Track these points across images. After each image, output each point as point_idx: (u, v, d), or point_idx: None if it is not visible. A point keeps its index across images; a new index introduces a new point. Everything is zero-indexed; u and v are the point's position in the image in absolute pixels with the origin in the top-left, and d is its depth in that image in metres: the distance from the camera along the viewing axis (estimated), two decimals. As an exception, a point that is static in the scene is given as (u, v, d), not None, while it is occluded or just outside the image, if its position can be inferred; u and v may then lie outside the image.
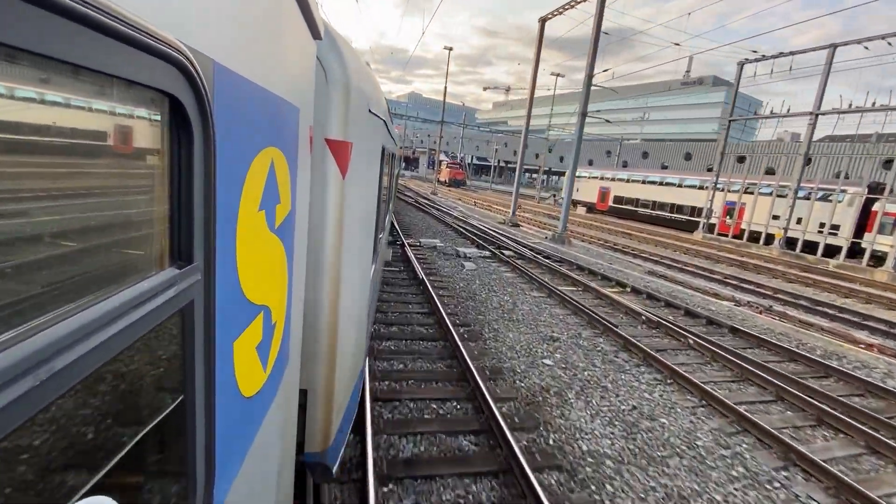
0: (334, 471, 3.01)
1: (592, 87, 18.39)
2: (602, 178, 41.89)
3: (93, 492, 0.68)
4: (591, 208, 42.18)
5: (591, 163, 61.58)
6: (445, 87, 44.94)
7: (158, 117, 0.80)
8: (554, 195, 54.52)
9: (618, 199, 39.64)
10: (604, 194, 41.24)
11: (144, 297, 0.75)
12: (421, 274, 10.87)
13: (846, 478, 4.59)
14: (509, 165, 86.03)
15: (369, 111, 2.88)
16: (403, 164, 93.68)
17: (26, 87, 0.53)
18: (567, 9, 19.58)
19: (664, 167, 53.15)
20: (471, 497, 3.99)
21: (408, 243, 14.86)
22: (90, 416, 0.70)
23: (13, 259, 0.56)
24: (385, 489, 3.94)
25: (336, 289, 2.83)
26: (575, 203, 42.37)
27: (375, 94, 3.30)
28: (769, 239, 25.45)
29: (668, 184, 35.11)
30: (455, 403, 5.51)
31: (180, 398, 0.92)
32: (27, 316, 0.54)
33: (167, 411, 0.89)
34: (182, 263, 0.88)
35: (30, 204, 0.59)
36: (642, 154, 60.21)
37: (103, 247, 0.75)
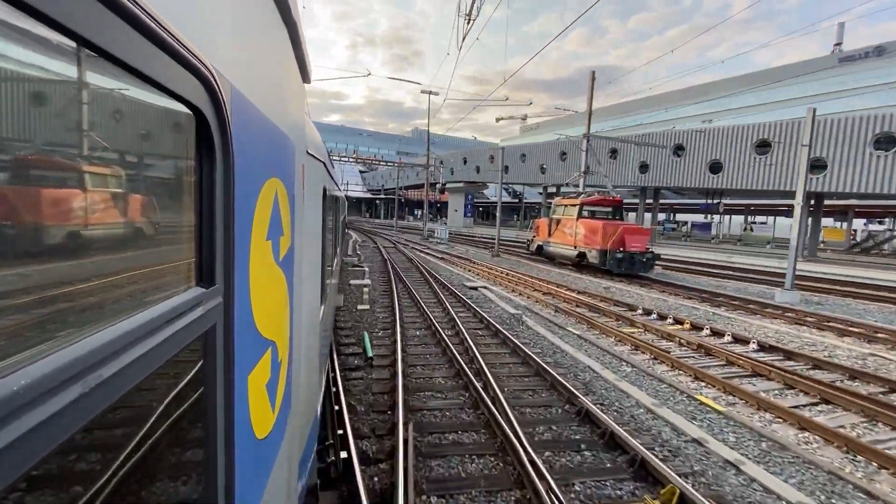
0: None
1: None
2: None
3: None
4: None
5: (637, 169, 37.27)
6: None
7: (185, 132, 0.80)
8: None
9: None
10: None
11: (174, 313, 0.72)
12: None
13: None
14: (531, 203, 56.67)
15: (307, 152, 3.19)
16: (419, 213, 66.16)
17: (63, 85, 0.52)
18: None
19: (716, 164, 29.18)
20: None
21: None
22: (111, 442, 0.66)
23: (69, 264, 0.56)
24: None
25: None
26: None
27: (314, 139, 3.66)
28: None
29: None
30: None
31: (200, 436, 0.87)
32: (72, 325, 0.54)
33: (187, 453, 0.85)
34: (206, 283, 0.85)
35: (72, 214, 0.58)
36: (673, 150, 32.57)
37: (136, 261, 0.74)
